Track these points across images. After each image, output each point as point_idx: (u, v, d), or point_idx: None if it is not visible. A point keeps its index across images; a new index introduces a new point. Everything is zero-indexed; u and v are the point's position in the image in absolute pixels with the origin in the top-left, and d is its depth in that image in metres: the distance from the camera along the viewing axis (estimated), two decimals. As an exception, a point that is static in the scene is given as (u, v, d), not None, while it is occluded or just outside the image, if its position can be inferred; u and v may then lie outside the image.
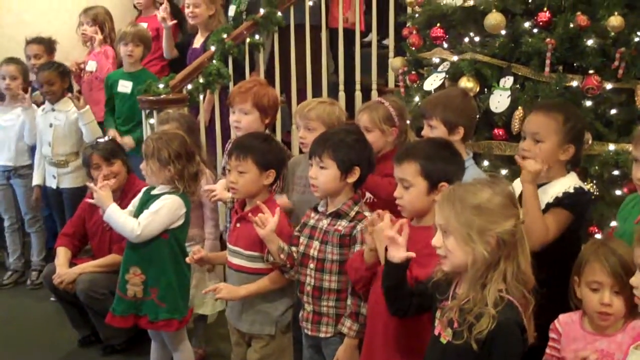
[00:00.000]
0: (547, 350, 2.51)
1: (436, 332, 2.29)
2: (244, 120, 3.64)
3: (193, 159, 3.54)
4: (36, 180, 5.21)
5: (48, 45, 5.56)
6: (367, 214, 2.87)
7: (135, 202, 3.65)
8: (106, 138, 4.56)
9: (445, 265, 2.26)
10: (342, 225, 2.89)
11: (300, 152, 3.97)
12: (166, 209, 3.47)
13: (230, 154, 3.21)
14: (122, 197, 4.05)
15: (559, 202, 2.79)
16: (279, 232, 3.01)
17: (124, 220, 3.48)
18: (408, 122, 3.57)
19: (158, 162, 3.44)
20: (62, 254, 4.26)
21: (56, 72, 5.07)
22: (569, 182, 2.85)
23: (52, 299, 4.62)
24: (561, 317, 2.50)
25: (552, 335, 2.51)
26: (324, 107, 3.46)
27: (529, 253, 2.23)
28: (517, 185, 2.93)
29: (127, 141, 5.01)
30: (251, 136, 3.35)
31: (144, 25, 5.62)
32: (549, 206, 2.80)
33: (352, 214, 2.89)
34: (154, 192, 3.54)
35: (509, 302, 2.14)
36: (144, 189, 3.67)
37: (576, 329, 2.44)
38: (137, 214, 3.53)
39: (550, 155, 2.82)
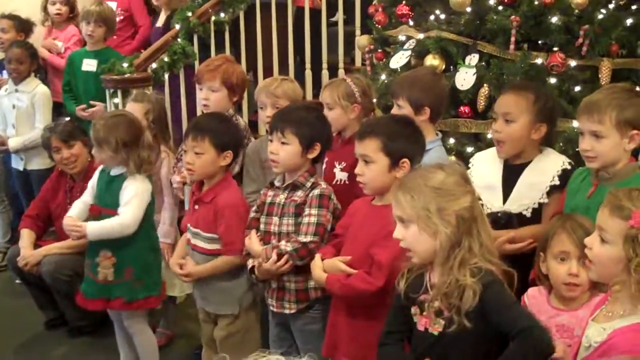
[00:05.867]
0: None
1: (421, 328, 2.27)
2: (212, 98, 3.60)
3: (141, 143, 3.37)
4: None
5: (19, 23, 5.42)
6: (322, 183, 2.92)
7: (93, 183, 3.53)
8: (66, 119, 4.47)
9: (414, 258, 2.27)
10: (299, 195, 2.91)
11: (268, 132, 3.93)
12: (140, 193, 3.37)
13: (187, 135, 3.17)
14: (85, 179, 3.92)
15: (561, 184, 2.81)
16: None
17: (110, 227, 3.34)
18: (375, 100, 3.56)
19: (108, 149, 3.31)
20: (26, 235, 4.19)
21: (27, 52, 4.98)
22: (559, 159, 2.88)
23: (17, 281, 4.57)
24: (530, 290, 2.53)
25: None
26: (287, 83, 3.47)
27: (489, 228, 2.26)
28: (481, 157, 2.99)
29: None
30: (209, 117, 3.34)
31: (113, 5, 5.52)
32: (553, 189, 2.81)
33: (309, 184, 2.92)
34: (113, 172, 3.43)
35: (487, 270, 2.17)
36: (100, 168, 3.55)
37: (542, 302, 2.47)
38: (100, 194, 3.46)
39: (522, 135, 2.84)
